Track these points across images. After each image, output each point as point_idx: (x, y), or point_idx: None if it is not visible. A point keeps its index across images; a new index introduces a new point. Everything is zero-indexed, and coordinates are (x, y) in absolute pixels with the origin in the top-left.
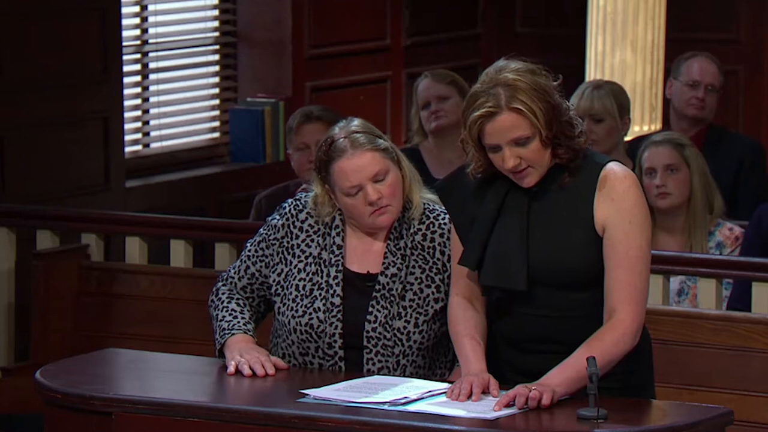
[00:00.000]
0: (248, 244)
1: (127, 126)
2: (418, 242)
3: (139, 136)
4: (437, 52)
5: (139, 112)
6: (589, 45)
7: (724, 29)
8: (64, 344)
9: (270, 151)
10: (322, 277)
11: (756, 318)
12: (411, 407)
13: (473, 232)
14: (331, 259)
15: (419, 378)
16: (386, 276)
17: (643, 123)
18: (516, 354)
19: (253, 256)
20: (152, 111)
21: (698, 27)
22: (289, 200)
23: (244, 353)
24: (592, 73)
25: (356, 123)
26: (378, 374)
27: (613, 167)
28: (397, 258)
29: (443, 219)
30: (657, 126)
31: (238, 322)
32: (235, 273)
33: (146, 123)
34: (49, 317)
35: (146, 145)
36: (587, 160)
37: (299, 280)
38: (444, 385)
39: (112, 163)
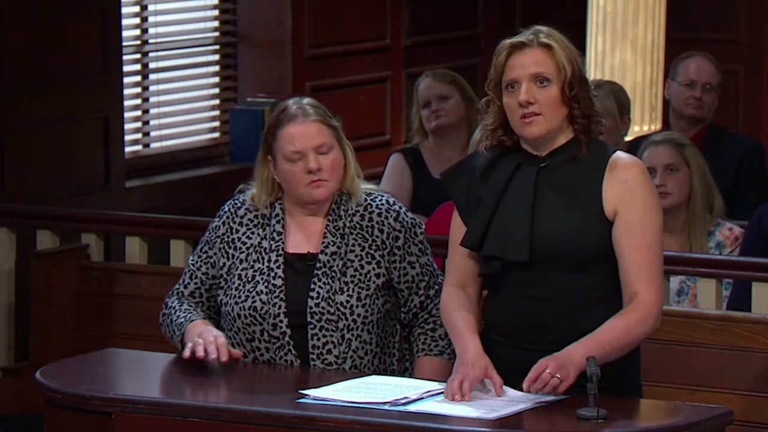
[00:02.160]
0: (190, 257)
1: (127, 126)
2: (357, 222)
3: (139, 136)
4: (437, 52)
5: (139, 112)
6: (589, 45)
7: (724, 29)
8: (64, 344)
9: None
10: (263, 263)
11: (756, 318)
12: (411, 407)
13: (480, 208)
14: (271, 245)
15: (367, 355)
16: (326, 254)
17: (643, 123)
18: (507, 350)
19: (197, 261)
20: (152, 111)
21: (698, 27)
22: (227, 202)
23: (202, 333)
24: (592, 73)
25: (309, 99)
26: (323, 349)
27: (622, 154)
28: (337, 237)
29: (380, 200)
30: (657, 126)
31: (195, 315)
32: (180, 284)
33: (146, 123)
34: (49, 317)
35: (146, 145)
36: (597, 144)
37: (242, 270)
38: (444, 385)
39: (112, 163)
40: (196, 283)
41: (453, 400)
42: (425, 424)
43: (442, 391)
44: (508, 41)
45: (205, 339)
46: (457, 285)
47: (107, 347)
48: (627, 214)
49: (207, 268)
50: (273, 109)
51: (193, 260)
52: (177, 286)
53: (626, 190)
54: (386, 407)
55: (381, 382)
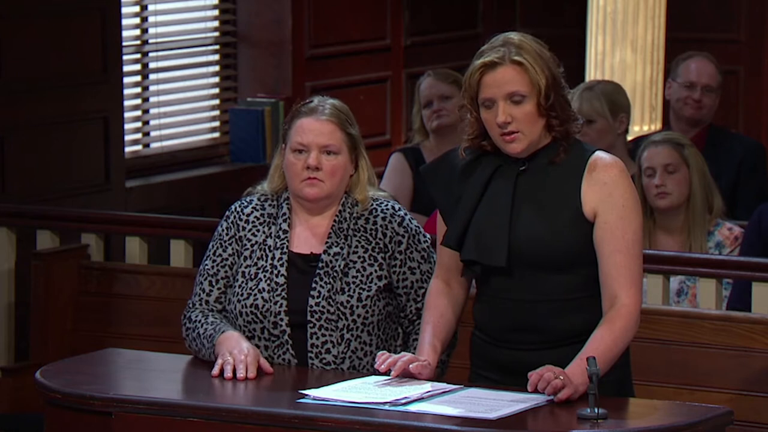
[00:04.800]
0: (204, 263)
1: (127, 126)
2: (361, 225)
3: (139, 136)
4: (437, 52)
5: (139, 112)
6: (589, 45)
7: (724, 29)
8: (64, 344)
9: (270, 151)
10: (267, 261)
11: (756, 318)
12: (411, 407)
13: (458, 209)
14: (276, 243)
15: (366, 356)
16: (329, 254)
17: (643, 123)
18: (492, 348)
19: (214, 267)
20: (152, 111)
21: (698, 27)
22: (234, 203)
23: (233, 350)
24: (592, 73)
25: (339, 102)
26: (321, 348)
27: (601, 154)
28: (340, 238)
29: (386, 205)
30: (657, 126)
31: (224, 325)
32: (201, 293)
33: (146, 123)
34: (49, 317)
35: (146, 145)
36: (577, 145)
37: (245, 267)
38: (444, 385)
39: (112, 163)
40: (219, 289)
41: (381, 367)
42: (425, 424)
43: (443, 391)
44: (480, 61)
45: (236, 357)
46: (443, 279)
47: (107, 347)
48: (606, 216)
49: (226, 271)
50: (273, 108)
51: (208, 266)
52: (198, 296)
53: (605, 192)
54: (386, 407)
55: (381, 382)
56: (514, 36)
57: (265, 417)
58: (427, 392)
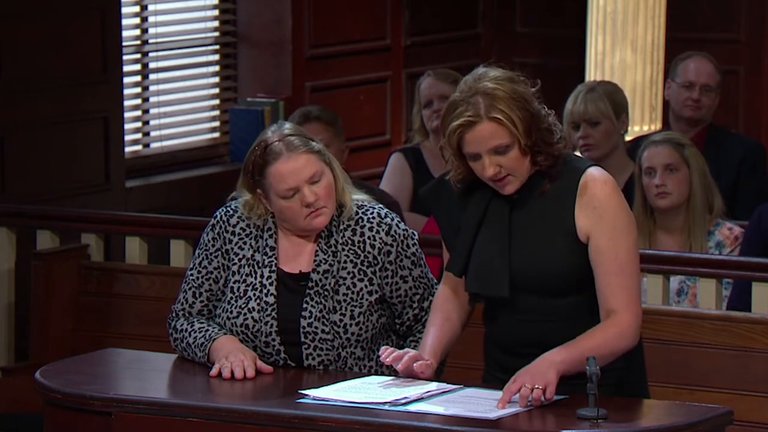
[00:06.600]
0: (190, 270)
1: (127, 126)
2: (348, 238)
3: (139, 136)
4: (437, 52)
5: (139, 112)
6: (589, 45)
7: (724, 29)
8: (64, 344)
9: None
10: (255, 278)
11: (756, 318)
12: (411, 407)
13: (458, 240)
14: (264, 260)
15: (362, 370)
16: (318, 273)
17: (643, 123)
18: (505, 357)
19: (198, 278)
20: (152, 111)
21: (698, 27)
22: (219, 209)
23: (229, 355)
24: (592, 73)
25: (288, 126)
26: (318, 368)
27: (593, 173)
28: (328, 255)
29: (372, 213)
30: (657, 126)
31: (213, 331)
32: (184, 303)
33: (146, 123)
34: (49, 317)
35: (146, 145)
36: (567, 165)
37: (234, 283)
38: (443, 385)
39: (112, 163)
40: (202, 302)
41: (389, 358)
42: (425, 424)
43: (443, 391)
44: (456, 123)
45: (232, 362)
46: (451, 288)
47: (107, 347)
48: (598, 240)
49: (210, 284)
50: (273, 108)
51: (193, 275)
52: (181, 306)
53: (595, 216)
54: (386, 407)
55: (381, 382)
56: (487, 82)
57: (265, 417)
58: (427, 392)
